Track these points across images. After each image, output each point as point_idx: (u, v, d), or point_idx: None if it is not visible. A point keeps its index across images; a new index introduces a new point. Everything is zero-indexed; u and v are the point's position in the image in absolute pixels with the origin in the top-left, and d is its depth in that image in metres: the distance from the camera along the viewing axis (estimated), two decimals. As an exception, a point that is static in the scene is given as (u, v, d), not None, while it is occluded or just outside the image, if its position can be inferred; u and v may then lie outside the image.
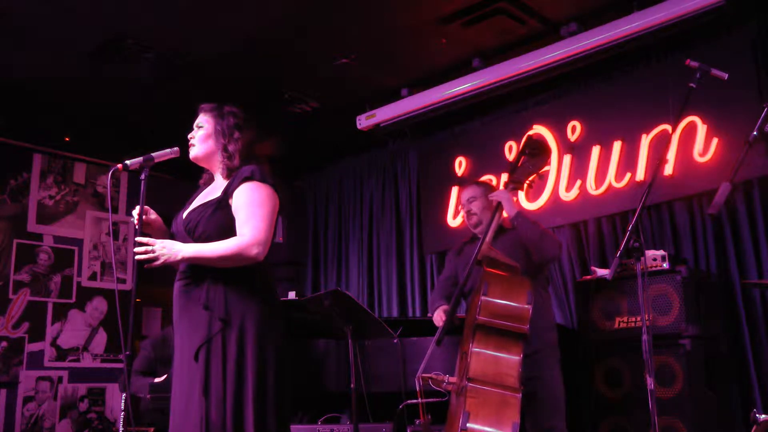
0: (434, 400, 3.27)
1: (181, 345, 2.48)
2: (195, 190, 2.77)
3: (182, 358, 2.47)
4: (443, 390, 3.08)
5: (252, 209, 2.47)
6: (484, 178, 5.38)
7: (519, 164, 3.45)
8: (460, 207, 3.82)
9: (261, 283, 2.52)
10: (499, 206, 3.42)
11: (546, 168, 3.65)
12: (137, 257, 2.39)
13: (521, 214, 3.45)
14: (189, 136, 2.68)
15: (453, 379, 3.05)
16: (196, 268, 2.48)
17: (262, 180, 2.53)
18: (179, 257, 2.41)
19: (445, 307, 3.59)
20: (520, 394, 2.92)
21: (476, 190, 3.75)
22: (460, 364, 3.19)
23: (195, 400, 2.36)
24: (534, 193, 5.04)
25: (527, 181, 3.43)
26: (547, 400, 3.37)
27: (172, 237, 2.62)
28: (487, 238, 3.32)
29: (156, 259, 2.39)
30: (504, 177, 5.24)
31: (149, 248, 2.39)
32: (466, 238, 3.83)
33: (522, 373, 3.12)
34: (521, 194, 5.00)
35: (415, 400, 3.33)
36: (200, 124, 2.67)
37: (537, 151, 3.42)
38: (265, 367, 2.42)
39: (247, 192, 2.50)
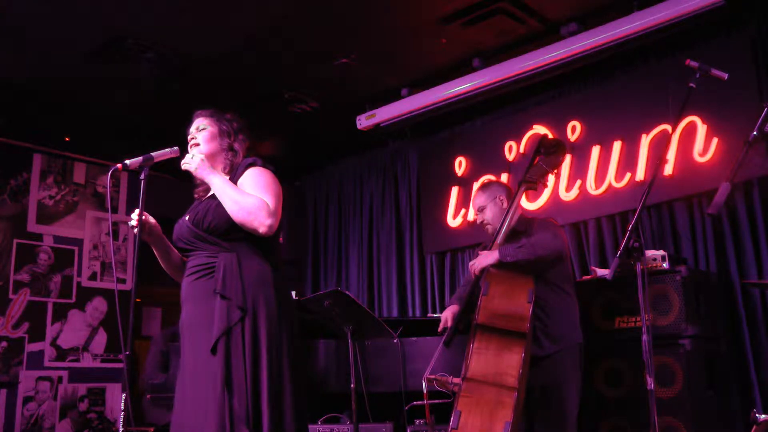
0: (440, 401, 3.27)
1: (196, 339, 2.44)
2: (195, 190, 2.77)
3: (197, 353, 2.42)
4: (449, 391, 3.07)
5: (261, 189, 2.51)
6: (484, 178, 5.38)
7: (534, 163, 3.38)
8: (475, 216, 3.70)
9: (273, 272, 2.52)
10: (508, 212, 3.37)
11: (560, 166, 3.52)
12: (185, 164, 2.57)
13: (505, 254, 3.21)
14: (189, 137, 2.68)
15: (458, 380, 3.04)
16: (206, 260, 2.49)
17: (265, 166, 2.60)
18: (208, 177, 2.53)
19: (453, 307, 3.58)
20: (517, 393, 2.91)
21: (482, 197, 3.61)
22: (464, 365, 3.18)
23: (216, 395, 2.32)
24: (534, 193, 5.05)
25: (542, 181, 3.38)
26: (556, 414, 3.28)
27: (174, 245, 2.63)
28: (499, 240, 3.31)
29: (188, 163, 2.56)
30: (504, 177, 5.29)
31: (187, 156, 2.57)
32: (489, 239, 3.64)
33: (527, 377, 3.11)
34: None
35: (421, 401, 3.32)
36: (201, 126, 2.68)
37: (552, 150, 3.35)
38: (279, 354, 2.41)
39: (253, 176, 2.56)
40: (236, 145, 2.68)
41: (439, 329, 3.56)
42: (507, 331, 3.03)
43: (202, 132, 2.67)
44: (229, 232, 2.48)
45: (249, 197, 2.46)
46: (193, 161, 2.57)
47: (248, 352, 2.37)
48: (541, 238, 3.29)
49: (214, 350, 2.37)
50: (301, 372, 2.50)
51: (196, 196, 2.74)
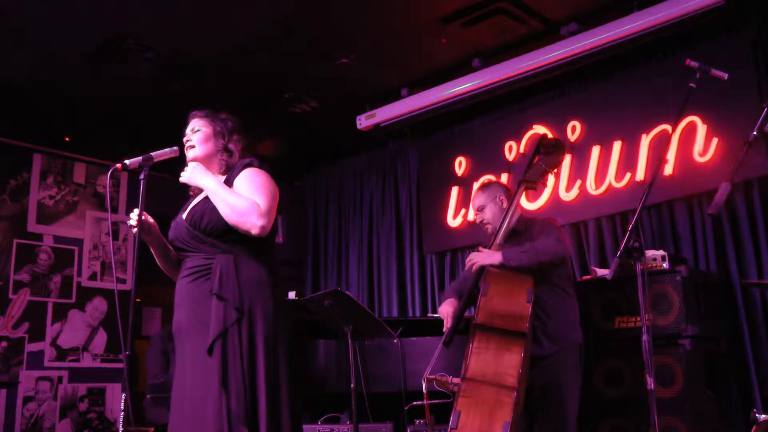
0: (439, 401, 3.27)
1: (195, 341, 2.44)
2: (190, 187, 2.77)
3: (195, 355, 2.43)
4: (448, 391, 3.07)
5: (256, 189, 2.52)
6: (484, 178, 5.38)
7: (533, 163, 3.38)
8: (475, 216, 3.71)
9: (270, 273, 2.53)
10: (508, 211, 3.37)
11: (560, 166, 3.53)
12: (181, 178, 2.62)
13: (508, 258, 3.21)
14: (185, 140, 2.69)
15: (457, 380, 3.04)
16: (203, 262, 2.49)
17: (261, 167, 2.62)
18: (201, 181, 2.56)
19: (452, 299, 3.56)
20: (516, 393, 2.92)
21: (482, 197, 3.61)
22: (463, 365, 3.18)
23: (214, 395, 2.33)
24: (534, 193, 5.04)
25: (541, 180, 3.38)
26: (556, 414, 3.27)
27: (171, 244, 2.63)
28: (498, 239, 3.31)
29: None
30: (504, 177, 5.28)
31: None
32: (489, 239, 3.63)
33: (527, 377, 3.10)
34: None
35: (421, 401, 3.32)
36: (196, 128, 2.69)
37: (552, 149, 3.37)
38: (276, 355, 2.43)
39: (248, 176, 2.57)
40: (231, 146, 2.69)
41: (444, 329, 3.54)
42: (506, 330, 3.03)
43: (197, 134, 2.68)
44: (226, 233, 2.49)
45: (241, 199, 2.48)
46: (186, 172, 2.62)
47: (245, 352, 2.38)
48: (545, 244, 3.29)
49: (210, 351, 2.37)
50: (297, 372, 2.51)
51: (191, 192, 2.75)
